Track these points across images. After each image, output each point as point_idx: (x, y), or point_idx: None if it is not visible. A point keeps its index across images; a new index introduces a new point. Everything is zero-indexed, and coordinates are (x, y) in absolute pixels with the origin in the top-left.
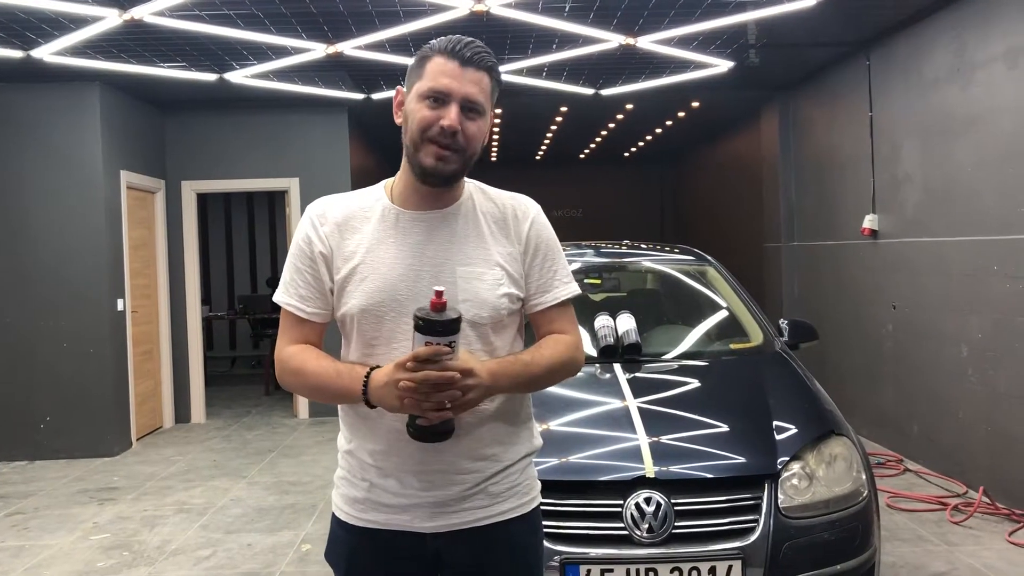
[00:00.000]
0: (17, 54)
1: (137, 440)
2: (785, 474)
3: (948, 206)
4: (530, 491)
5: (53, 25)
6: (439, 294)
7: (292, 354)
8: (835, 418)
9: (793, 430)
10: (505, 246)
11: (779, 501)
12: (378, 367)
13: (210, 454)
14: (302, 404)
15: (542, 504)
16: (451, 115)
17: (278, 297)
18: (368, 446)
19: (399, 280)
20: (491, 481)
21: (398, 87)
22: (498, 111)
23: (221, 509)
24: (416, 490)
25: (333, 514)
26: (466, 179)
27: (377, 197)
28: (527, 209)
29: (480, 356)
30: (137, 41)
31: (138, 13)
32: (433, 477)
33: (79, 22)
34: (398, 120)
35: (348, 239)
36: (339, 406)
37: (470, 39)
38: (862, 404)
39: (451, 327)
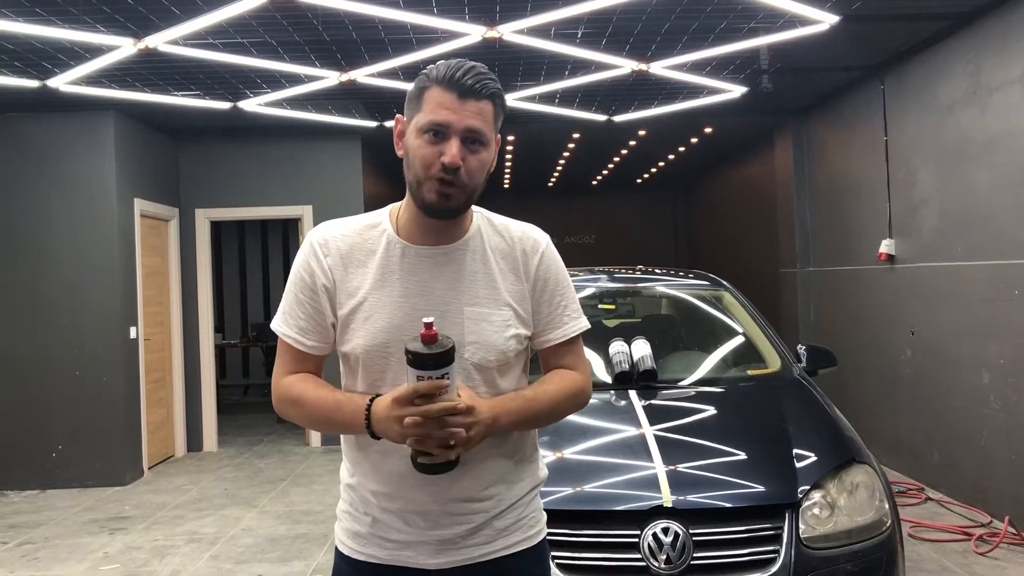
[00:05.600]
0: (33, 84)
1: (149, 469)
2: (806, 503)
3: (966, 230)
4: (536, 523)
5: (69, 55)
6: (428, 325)
7: (291, 383)
8: (856, 445)
9: (813, 458)
10: (514, 283)
11: (800, 531)
12: (379, 396)
13: (222, 483)
14: (314, 433)
15: (558, 534)
16: (452, 150)
17: (276, 326)
18: (370, 486)
19: (405, 320)
20: (497, 517)
21: (397, 116)
22: (510, 138)
23: (232, 539)
24: (421, 528)
25: (336, 547)
26: (474, 209)
27: (383, 228)
28: (536, 242)
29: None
30: (152, 70)
31: (153, 42)
32: (439, 518)
33: (95, 52)
34: (399, 152)
35: (352, 273)
36: (342, 438)
37: (471, 64)
38: (881, 431)
39: (443, 359)
